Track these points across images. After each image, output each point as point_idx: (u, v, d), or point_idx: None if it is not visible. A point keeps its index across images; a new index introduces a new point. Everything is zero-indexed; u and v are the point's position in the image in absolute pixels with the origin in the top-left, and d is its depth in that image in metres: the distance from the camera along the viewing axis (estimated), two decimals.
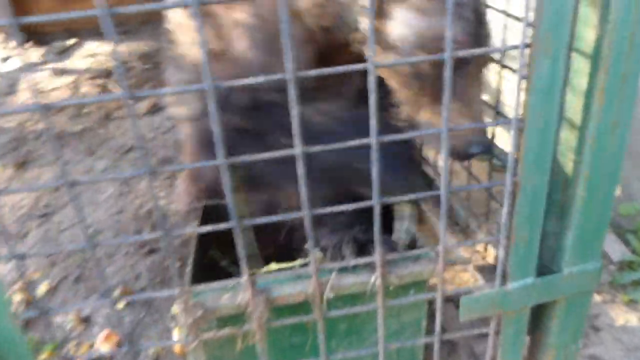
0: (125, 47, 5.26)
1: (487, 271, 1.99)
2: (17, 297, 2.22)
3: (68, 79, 4.39)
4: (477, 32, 1.51)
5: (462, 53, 1.01)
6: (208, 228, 1.18)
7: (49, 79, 4.43)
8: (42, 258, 2.48)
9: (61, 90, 4.23)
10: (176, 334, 1.96)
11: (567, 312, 1.44)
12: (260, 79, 0.98)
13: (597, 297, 2.14)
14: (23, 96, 4.19)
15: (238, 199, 1.80)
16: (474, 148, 1.51)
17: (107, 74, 4.52)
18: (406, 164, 1.63)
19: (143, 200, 2.81)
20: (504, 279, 1.35)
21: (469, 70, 1.53)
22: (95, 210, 2.77)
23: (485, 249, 2.18)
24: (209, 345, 1.41)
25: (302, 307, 1.34)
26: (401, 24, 1.51)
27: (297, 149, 1.06)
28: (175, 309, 2.15)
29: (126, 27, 5.72)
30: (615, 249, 2.29)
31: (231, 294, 1.31)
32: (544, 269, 1.39)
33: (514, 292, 1.35)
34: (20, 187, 2.99)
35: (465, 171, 2.06)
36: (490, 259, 2.15)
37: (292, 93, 0.99)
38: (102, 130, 3.71)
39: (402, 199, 1.18)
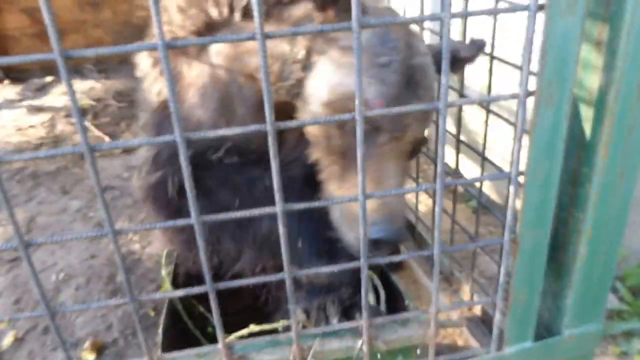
0: (101, 85, 5.13)
1: (473, 323, 1.85)
2: None
3: (45, 116, 4.22)
4: (403, 97, 1.31)
5: (372, 113, 0.87)
6: (180, 293, 1.04)
7: (26, 116, 4.26)
8: (9, 305, 2.29)
9: (37, 127, 4.06)
10: None
11: None
12: (238, 129, 0.86)
13: None
14: (1, 133, 4.00)
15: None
16: (377, 233, 1.28)
17: (82, 112, 4.36)
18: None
19: (119, 243, 2.63)
20: (500, 342, 1.22)
21: (383, 141, 1.33)
22: (67, 254, 2.58)
23: (471, 298, 2.05)
24: None
25: None
26: (315, 78, 1.37)
27: (279, 206, 0.93)
28: None
29: (104, 66, 5.60)
30: None
31: (203, 357, 1.16)
32: (543, 330, 1.27)
33: (511, 357, 1.22)
34: None
35: (448, 217, 1.94)
36: (477, 311, 2.01)
37: (273, 144, 0.87)
38: (77, 170, 3.54)
39: (393, 259, 1.05)
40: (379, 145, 1.32)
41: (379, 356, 1.21)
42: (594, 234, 1.10)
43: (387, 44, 1.30)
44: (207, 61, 1.56)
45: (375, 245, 1.28)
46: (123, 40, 6.12)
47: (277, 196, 0.92)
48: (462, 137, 1.81)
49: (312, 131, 1.41)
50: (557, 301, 1.23)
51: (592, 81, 0.98)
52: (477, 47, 1.56)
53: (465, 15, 0.80)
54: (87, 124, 4.18)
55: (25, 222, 2.91)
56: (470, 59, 1.56)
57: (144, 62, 1.77)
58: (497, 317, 1.18)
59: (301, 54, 1.37)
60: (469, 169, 3.07)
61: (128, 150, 3.86)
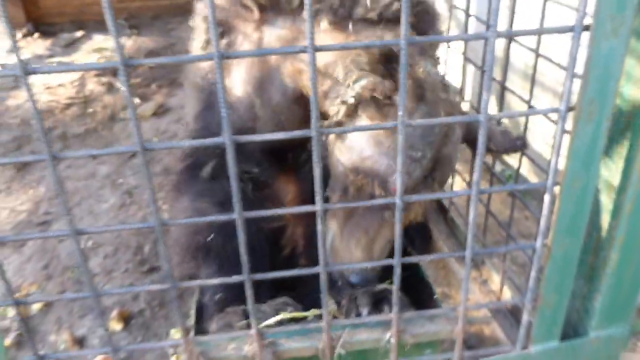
0: (133, 43, 5.22)
1: (502, 315, 1.93)
2: (10, 313, 2.18)
3: (74, 75, 4.34)
4: (419, 186, 1.45)
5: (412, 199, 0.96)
6: (216, 281, 1.14)
7: (55, 74, 4.39)
8: (38, 270, 2.44)
9: (67, 87, 4.19)
10: None
11: None
12: (282, 134, 0.94)
13: None
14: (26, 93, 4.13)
15: None
16: (354, 278, 1.50)
17: (113, 71, 4.47)
18: None
19: (146, 213, 2.76)
20: (527, 341, 1.30)
21: (387, 216, 1.50)
22: (96, 222, 2.72)
23: (501, 290, 2.12)
24: None
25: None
26: (352, 135, 1.48)
27: (318, 205, 1.01)
28: (175, 332, 2.11)
29: (136, 21, 5.67)
30: None
31: (237, 344, 1.26)
32: (569, 331, 1.34)
33: (536, 356, 1.30)
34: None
35: (483, 205, 2.01)
36: (505, 299, 2.09)
37: (316, 149, 0.95)
38: (106, 132, 3.66)
39: (427, 258, 1.13)
40: (382, 217, 1.48)
41: (406, 349, 1.30)
42: (626, 240, 1.16)
43: (426, 139, 1.38)
44: (263, 39, 1.63)
45: (352, 285, 1.53)
46: None
47: (317, 197, 1.00)
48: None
49: (335, 171, 1.51)
50: (586, 303, 1.30)
51: (634, 94, 1.03)
52: (515, 145, 1.61)
53: (510, 35, 0.86)
54: (117, 84, 4.28)
55: (54, 186, 3.05)
56: (503, 152, 1.62)
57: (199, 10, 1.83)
58: (525, 317, 1.25)
59: (351, 98, 1.43)
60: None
61: (158, 114, 3.97)
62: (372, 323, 1.29)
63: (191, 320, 1.54)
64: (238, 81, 1.69)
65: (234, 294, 1.59)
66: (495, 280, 2.14)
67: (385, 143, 1.39)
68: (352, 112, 1.42)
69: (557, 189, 1.09)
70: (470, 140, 1.58)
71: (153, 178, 0.96)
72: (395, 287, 1.16)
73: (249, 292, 1.12)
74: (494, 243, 2.52)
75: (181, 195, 1.82)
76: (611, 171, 1.13)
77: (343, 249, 1.49)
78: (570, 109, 0.98)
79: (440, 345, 1.37)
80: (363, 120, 1.42)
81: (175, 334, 2.11)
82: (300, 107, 1.61)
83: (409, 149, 1.37)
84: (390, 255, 1.13)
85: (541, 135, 2.79)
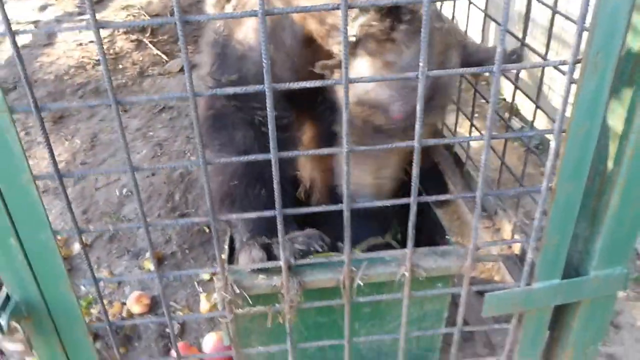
0: (159, 1, 5.28)
1: (511, 261, 2.03)
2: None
3: (104, 32, 4.44)
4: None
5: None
6: (253, 215, 1.24)
7: (85, 31, 4.48)
8: (78, 215, 2.59)
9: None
10: (204, 301, 2.06)
11: (590, 313, 1.49)
12: (316, 83, 1.03)
13: (621, 294, 2.18)
14: (61, 48, 4.26)
15: None
16: (361, 199, 1.58)
17: (141, 29, 4.55)
18: None
19: (176, 162, 2.89)
20: (530, 278, 1.40)
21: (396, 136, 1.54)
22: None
23: (512, 237, 2.22)
24: (241, 319, 1.49)
25: (331, 290, 1.40)
26: (352, 72, 1.52)
27: (344, 148, 1.11)
28: (207, 276, 2.25)
29: None
30: None
31: (267, 275, 1.38)
32: (571, 271, 1.43)
33: (539, 291, 1.40)
34: None
35: (498, 157, 2.09)
36: (516, 250, 2.19)
37: (345, 96, 1.04)
38: (136, 87, 3.77)
39: (439, 198, 1.23)
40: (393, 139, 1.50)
41: (418, 282, 1.41)
42: (626, 185, 1.24)
43: None
44: None
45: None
46: None
47: (345, 140, 1.10)
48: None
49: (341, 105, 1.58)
50: (587, 245, 1.39)
51: (638, 47, 1.10)
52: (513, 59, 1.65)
53: None
54: (145, 41, 4.37)
55: (89, 138, 3.18)
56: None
57: None
58: (529, 256, 1.35)
59: (352, 36, 1.49)
60: (526, 108, 3.15)
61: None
62: (389, 258, 1.40)
63: (225, 252, 1.66)
64: (251, 30, 1.74)
65: (260, 233, 1.69)
66: (507, 229, 2.24)
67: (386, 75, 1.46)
68: (353, 49, 1.49)
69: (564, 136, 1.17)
70: (467, 66, 1.62)
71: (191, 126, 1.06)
72: (410, 223, 1.26)
73: (280, 227, 1.22)
74: (508, 197, 2.60)
75: (205, 148, 1.91)
76: (614, 119, 1.20)
77: (351, 172, 1.56)
78: (577, 61, 1.06)
79: (450, 280, 1.48)
80: (364, 57, 1.49)
81: (204, 274, 2.26)
82: (310, 49, 1.67)
83: (403, 82, 1.44)
84: (406, 195, 1.23)
85: (560, 91, 2.84)
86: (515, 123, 3.08)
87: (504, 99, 3.31)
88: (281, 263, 1.30)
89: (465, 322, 1.92)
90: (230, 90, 1.07)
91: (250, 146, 1.72)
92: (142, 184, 2.71)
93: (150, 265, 2.32)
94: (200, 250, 2.35)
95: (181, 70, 4.07)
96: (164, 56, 4.20)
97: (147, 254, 2.32)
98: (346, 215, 1.21)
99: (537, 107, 1.81)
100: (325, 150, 1.16)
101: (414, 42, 1.44)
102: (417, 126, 1.10)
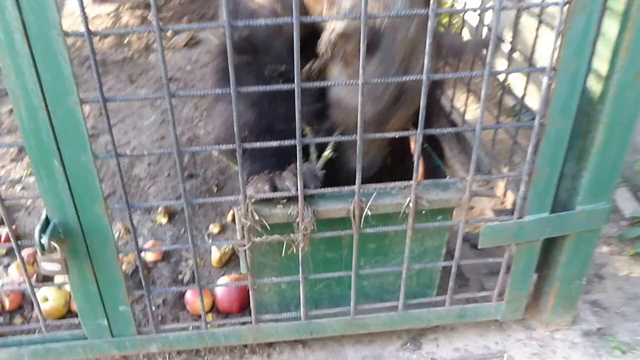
0: None
1: (504, 214, 2.17)
2: None
3: (109, 7, 4.54)
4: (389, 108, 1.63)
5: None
6: (274, 143, 1.37)
7: (91, 6, 4.59)
8: None
9: (103, 17, 4.39)
10: (215, 251, 2.18)
11: (575, 247, 1.64)
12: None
13: (604, 249, 2.33)
14: (67, 22, 4.35)
15: None
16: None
17: (146, 5, 4.65)
18: None
19: (184, 128, 3.01)
20: (522, 212, 1.55)
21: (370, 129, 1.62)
22: (139, 135, 2.97)
23: (505, 195, 2.37)
24: (256, 252, 1.62)
25: (340, 222, 1.54)
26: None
27: (361, 79, 1.25)
28: (213, 227, 2.37)
29: None
30: (627, 205, 2.47)
31: (283, 205, 1.52)
32: (558, 206, 1.58)
33: (530, 224, 1.55)
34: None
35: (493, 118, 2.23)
36: (508, 204, 2.33)
37: (363, 49, 1.18)
38: (142, 60, 3.88)
39: (445, 131, 1.37)
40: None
41: (422, 213, 1.55)
42: (610, 122, 1.39)
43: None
44: None
45: None
46: None
47: (361, 72, 1.23)
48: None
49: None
50: (574, 182, 1.54)
51: None
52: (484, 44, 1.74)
53: None
54: (150, 18, 4.47)
55: (97, 106, 3.29)
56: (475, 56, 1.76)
57: None
58: (522, 188, 1.50)
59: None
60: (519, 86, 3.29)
61: (190, 45, 4.18)
62: (395, 191, 1.54)
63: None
64: None
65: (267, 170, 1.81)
66: (501, 186, 2.39)
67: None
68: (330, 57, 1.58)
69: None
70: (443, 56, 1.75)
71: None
72: (416, 156, 1.40)
73: (299, 155, 1.35)
74: (503, 158, 2.72)
75: (216, 102, 2.03)
76: (599, 61, 1.34)
77: (347, 96, 1.69)
78: (567, 2, 1.20)
79: (450, 213, 1.62)
80: (339, 64, 1.61)
81: (214, 228, 2.38)
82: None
83: (370, 89, 1.57)
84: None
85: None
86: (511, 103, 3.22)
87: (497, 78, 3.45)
88: (298, 192, 1.44)
89: (460, 273, 2.08)
90: (261, 21, 1.19)
91: (260, 97, 1.84)
92: (151, 146, 2.83)
93: (163, 219, 2.43)
94: (209, 207, 2.48)
95: (186, 44, 4.18)
96: (168, 33, 4.30)
97: (159, 209, 2.45)
98: (359, 144, 1.35)
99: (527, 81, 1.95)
100: (342, 81, 1.29)
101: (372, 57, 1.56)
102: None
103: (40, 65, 1.22)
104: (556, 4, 1.21)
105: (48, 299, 1.92)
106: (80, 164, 1.36)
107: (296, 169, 1.39)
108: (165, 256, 2.25)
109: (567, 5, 1.21)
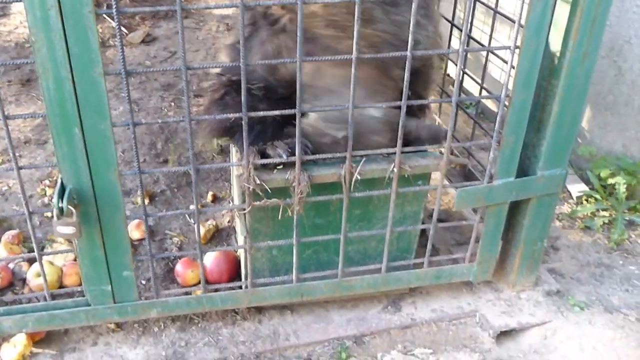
0: None
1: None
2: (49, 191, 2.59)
3: None
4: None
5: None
6: (275, 112, 1.60)
7: None
8: None
9: None
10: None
11: (537, 210, 1.95)
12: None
13: (557, 224, 2.67)
14: (17, 19, 4.45)
15: None
16: None
17: (96, 3, 4.79)
18: None
19: (154, 117, 3.19)
20: (491, 177, 1.84)
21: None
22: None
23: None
24: (252, 216, 1.84)
25: (330, 189, 1.79)
26: None
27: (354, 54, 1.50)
28: (211, 195, 2.57)
29: None
30: (575, 186, 2.83)
31: (279, 170, 1.76)
32: (522, 173, 1.89)
33: (499, 187, 1.85)
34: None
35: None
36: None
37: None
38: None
39: (427, 102, 1.65)
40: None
41: (405, 177, 1.81)
42: (564, 95, 1.70)
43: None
44: None
45: None
46: None
47: (355, 48, 1.49)
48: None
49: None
50: (534, 150, 1.84)
51: None
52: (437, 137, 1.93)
53: None
54: (104, 15, 4.62)
55: None
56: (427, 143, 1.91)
57: None
58: (491, 155, 1.79)
59: None
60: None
61: (146, 41, 4.36)
62: (380, 159, 1.81)
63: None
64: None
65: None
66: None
67: None
68: None
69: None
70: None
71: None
72: (400, 125, 1.67)
73: (298, 123, 1.60)
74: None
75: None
76: (554, 41, 1.66)
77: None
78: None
79: (428, 179, 1.90)
80: None
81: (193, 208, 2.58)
82: None
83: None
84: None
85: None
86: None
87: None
88: (295, 159, 1.68)
89: (434, 248, 2.36)
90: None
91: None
92: (124, 134, 2.99)
93: (139, 200, 2.60)
94: (188, 190, 2.67)
95: (142, 41, 4.36)
96: (123, 29, 4.46)
97: (138, 192, 2.62)
98: (351, 113, 1.61)
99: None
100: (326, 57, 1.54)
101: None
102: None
103: (70, 40, 1.41)
104: None
105: (40, 274, 2.07)
106: (99, 131, 1.55)
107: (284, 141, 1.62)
108: (151, 233, 2.43)
109: None
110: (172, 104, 3.39)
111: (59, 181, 1.61)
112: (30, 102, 3.43)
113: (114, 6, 1.41)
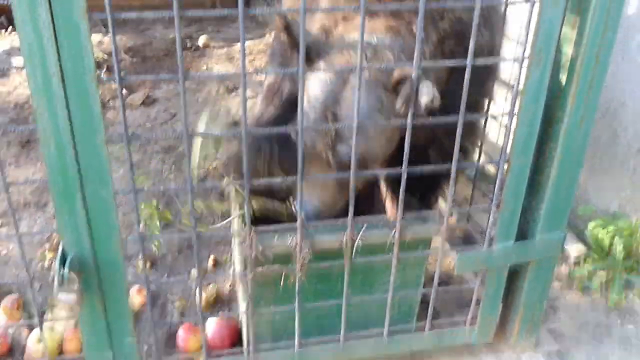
0: (110, 40, 5.59)
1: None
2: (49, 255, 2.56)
3: None
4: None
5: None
6: (275, 182, 1.60)
7: None
8: None
9: None
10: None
11: (536, 273, 1.93)
12: None
13: (556, 284, 2.64)
14: (17, 79, 4.49)
15: None
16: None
17: (97, 65, 4.85)
18: None
19: (155, 180, 3.17)
20: (491, 241, 1.82)
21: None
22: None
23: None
24: (254, 283, 1.81)
25: (331, 255, 1.77)
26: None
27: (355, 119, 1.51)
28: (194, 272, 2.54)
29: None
30: (572, 246, 2.81)
31: (281, 236, 1.73)
32: (521, 236, 1.87)
33: (498, 251, 1.83)
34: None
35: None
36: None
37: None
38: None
39: (423, 169, 1.65)
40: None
41: (405, 244, 1.79)
42: (562, 159, 1.70)
43: None
44: None
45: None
46: None
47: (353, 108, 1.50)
48: None
49: None
50: (534, 213, 1.83)
51: (568, 51, 1.58)
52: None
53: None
54: (103, 76, 4.66)
55: None
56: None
57: None
58: (491, 219, 1.78)
59: None
60: None
61: (146, 103, 4.40)
62: (380, 225, 1.79)
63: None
64: None
65: None
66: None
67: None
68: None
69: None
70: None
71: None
72: (401, 192, 1.66)
73: (299, 196, 1.59)
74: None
75: None
76: (553, 106, 1.67)
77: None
78: (525, 58, 1.53)
79: (428, 243, 1.88)
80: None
81: (194, 273, 2.54)
82: None
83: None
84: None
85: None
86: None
87: None
88: (297, 224, 1.66)
89: (435, 311, 2.32)
90: None
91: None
92: (124, 197, 2.97)
93: (140, 265, 2.56)
94: (189, 253, 2.64)
95: (142, 103, 4.39)
96: (124, 90, 4.51)
97: (139, 256, 2.58)
98: (352, 182, 1.60)
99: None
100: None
101: None
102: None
103: (72, 106, 1.40)
104: (517, 60, 1.53)
105: (41, 340, 2.02)
106: (101, 198, 1.53)
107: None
108: (152, 299, 2.38)
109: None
110: (173, 166, 3.38)
111: (60, 248, 1.58)
112: (30, 163, 3.42)
113: (116, 73, 1.41)
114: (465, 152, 2.13)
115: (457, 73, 1.66)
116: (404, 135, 1.57)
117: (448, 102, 1.64)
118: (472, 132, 2.13)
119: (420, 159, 1.89)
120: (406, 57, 1.78)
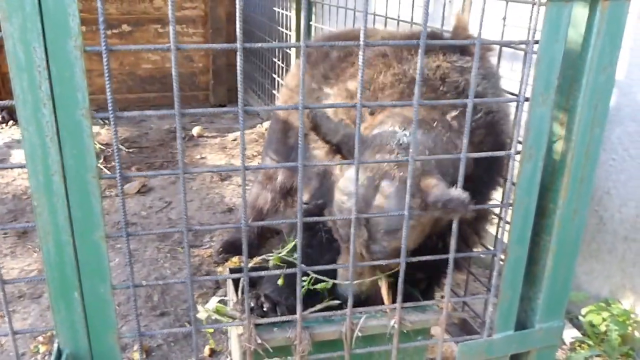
0: (106, 132, 5.66)
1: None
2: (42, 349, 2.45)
3: None
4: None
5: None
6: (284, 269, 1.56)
7: None
8: None
9: None
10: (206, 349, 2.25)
11: None
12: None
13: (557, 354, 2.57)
14: (16, 170, 4.48)
15: None
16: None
17: (97, 155, 4.88)
18: None
19: (150, 269, 3.11)
20: (491, 330, 1.77)
21: None
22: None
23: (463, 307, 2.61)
24: None
25: (329, 346, 1.70)
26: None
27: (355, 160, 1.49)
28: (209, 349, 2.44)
29: (104, 112, 6.15)
30: (567, 332, 2.75)
31: (280, 328, 1.68)
32: (520, 326, 1.82)
33: (498, 341, 1.77)
34: None
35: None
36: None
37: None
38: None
39: (423, 258, 1.61)
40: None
41: (404, 333, 1.74)
42: (557, 251, 1.68)
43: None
44: None
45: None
46: (126, 89, 6.76)
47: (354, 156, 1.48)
48: None
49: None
50: (531, 303, 1.79)
51: (558, 146, 1.59)
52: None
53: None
54: (100, 167, 4.68)
55: None
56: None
57: None
58: (490, 309, 1.74)
59: None
60: None
61: (142, 192, 4.38)
62: (380, 314, 1.74)
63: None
64: None
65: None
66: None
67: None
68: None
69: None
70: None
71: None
72: (400, 281, 1.62)
73: (298, 289, 1.55)
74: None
75: None
76: (545, 199, 1.67)
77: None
78: (518, 152, 1.54)
79: (428, 333, 1.82)
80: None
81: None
82: None
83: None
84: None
85: None
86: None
87: None
88: (296, 316, 1.61)
89: None
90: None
91: None
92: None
93: (139, 356, 2.47)
94: (184, 343, 2.54)
95: (138, 192, 4.38)
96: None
97: (135, 347, 2.49)
98: (351, 269, 1.57)
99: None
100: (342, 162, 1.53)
101: None
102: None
103: (73, 204, 1.36)
104: (509, 154, 1.54)
105: None
106: (99, 295, 1.47)
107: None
108: None
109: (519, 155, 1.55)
110: (168, 255, 3.33)
111: (55, 346, 1.51)
112: (27, 254, 3.35)
113: (118, 171, 1.39)
114: (480, 238, 2.15)
115: (483, 159, 1.70)
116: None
117: (473, 187, 1.63)
118: (485, 217, 2.17)
119: (437, 245, 1.88)
120: (439, 151, 1.76)
